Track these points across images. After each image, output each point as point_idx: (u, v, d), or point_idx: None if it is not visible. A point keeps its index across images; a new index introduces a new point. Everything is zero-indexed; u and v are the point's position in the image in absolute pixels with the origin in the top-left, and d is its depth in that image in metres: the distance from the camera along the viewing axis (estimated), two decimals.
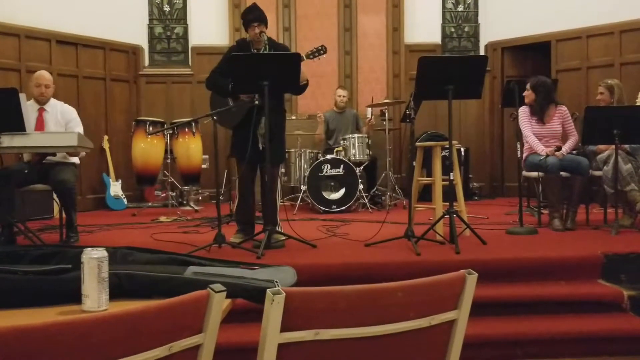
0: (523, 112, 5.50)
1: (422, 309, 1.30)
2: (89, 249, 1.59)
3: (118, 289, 1.66)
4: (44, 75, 5.11)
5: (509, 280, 3.85)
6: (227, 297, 1.32)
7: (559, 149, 5.26)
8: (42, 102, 5.05)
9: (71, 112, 5.17)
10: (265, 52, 4.59)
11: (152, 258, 1.96)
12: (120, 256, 1.95)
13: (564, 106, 5.55)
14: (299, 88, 4.53)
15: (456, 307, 1.38)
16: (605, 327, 3.50)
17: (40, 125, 4.99)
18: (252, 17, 4.58)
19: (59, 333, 1.01)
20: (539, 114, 5.43)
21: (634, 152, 5.31)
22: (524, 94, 5.50)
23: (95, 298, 1.56)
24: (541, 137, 5.39)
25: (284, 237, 4.51)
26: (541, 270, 3.93)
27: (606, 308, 3.68)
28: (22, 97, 4.15)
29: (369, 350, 1.27)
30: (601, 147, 5.43)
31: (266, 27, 4.62)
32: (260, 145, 4.46)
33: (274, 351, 1.17)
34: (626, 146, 5.22)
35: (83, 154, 4.96)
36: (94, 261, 1.56)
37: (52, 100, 5.13)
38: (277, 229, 4.64)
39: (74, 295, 1.58)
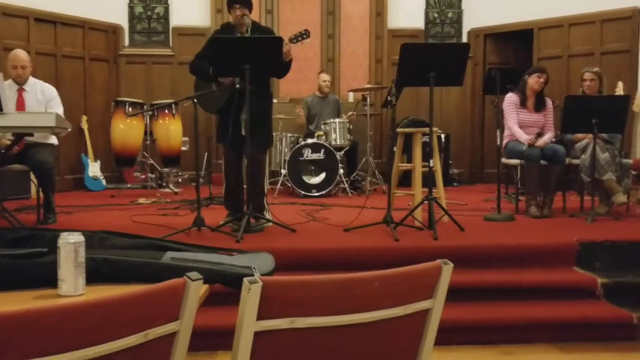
0: (509, 99, 5.49)
1: (397, 298, 1.32)
2: (65, 233, 1.58)
3: (95, 274, 1.66)
4: (19, 55, 4.99)
5: (485, 267, 3.89)
6: (204, 282, 1.32)
7: (539, 135, 5.30)
8: (20, 82, 4.96)
9: (52, 91, 5.09)
10: (247, 35, 4.54)
11: (129, 243, 1.95)
12: (97, 240, 1.94)
13: (549, 99, 5.58)
14: (281, 71, 4.49)
15: (431, 296, 1.40)
16: (578, 314, 3.56)
17: (20, 105, 4.92)
18: None
19: (33, 320, 1.00)
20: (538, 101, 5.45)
21: (612, 140, 5.37)
22: (542, 78, 5.39)
23: (72, 282, 1.55)
24: (525, 125, 5.41)
25: (265, 221, 4.51)
26: (517, 256, 3.98)
27: (580, 295, 3.74)
28: None
29: (344, 339, 1.29)
30: (579, 135, 5.48)
31: (250, 11, 4.56)
32: (243, 131, 4.37)
33: (250, 339, 1.18)
34: (604, 135, 5.28)
35: (63, 134, 4.90)
36: (71, 246, 1.55)
37: (31, 79, 5.05)
38: (264, 213, 4.63)
39: (50, 279, 1.58)
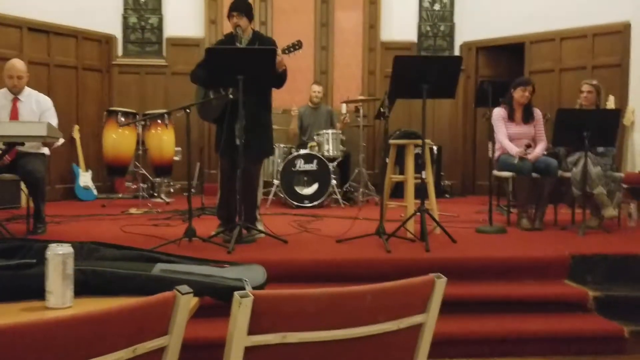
0: (497, 113, 5.52)
1: (390, 312, 1.30)
2: (54, 244, 1.56)
3: (83, 286, 1.63)
4: (16, 65, 4.97)
5: (477, 279, 3.88)
6: (194, 295, 1.30)
7: (528, 146, 5.32)
8: (15, 92, 4.94)
9: (47, 102, 5.07)
10: (243, 46, 4.51)
11: (119, 254, 1.93)
12: (86, 251, 1.92)
13: (538, 110, 5.62)
14: (277, 82, 4.46)
15: (425, 311, 1.38)
16: (570, 328, 3.56)
17: (14, 115, 4.90)
18: (231, 6, 4.53)
19: (21, 335, 0.99)
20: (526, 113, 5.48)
21: (607, 154, 5.38)
22: (527, 92, 5.44)
23: (60, 295, 1.53)
24: (515, 137, 5.43)
25: (257, 232, 4.49)
26: (509, 269, 3.98)
27: (572, 308, 3.74)
28: None
29: (337, 354, 1.27)
30: None
31: (248, 20, 4.53)
32: (237, 141, 4.31)
33: (240, 355, 1.16)
34: (601, 149, 5.29)
35: (58, 144, 4.87)
36: (59, 257, 1.53)
37: (27, 90, 5.02)
38: (257, 224, 4.61)
39: (38, 291, 1.55)
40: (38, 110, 4.95)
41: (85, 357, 1.04)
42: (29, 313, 1.50)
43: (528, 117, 5.48)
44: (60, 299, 1.53)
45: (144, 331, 1.13)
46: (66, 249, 1.55)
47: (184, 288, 1.19)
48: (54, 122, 4.86)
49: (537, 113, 5.56)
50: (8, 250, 1.92)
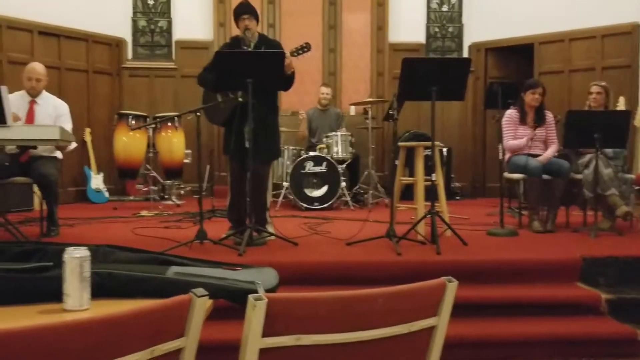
0: (509, 116, 5.49)
1: (402, 315, 1.32)
2: (71, 248, 1.58)
3: (99, 288, 1.66)
4: (36, 68, 5.04)
5: (488, 282, 3.87)
6: (209, 298, 1.32)
7: (537, 126, 5.29)
8: (33, 94, 5.00)
9: (63, 107, 5.13)
10: (251, 49, 4.54)
11: (133, 257, 1.95)
12: (101, 255, 1.94)
13: (550, 112, 5.59)
14: (285, 85, 4.48)
15: (436, 314, 1.39)
16: (582, 330, 3.54)
17: (30, 117, 4.95)
18: (239, 10, 4.56)
19: (39, 337, 1.01)
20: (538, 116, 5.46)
21: (617, 156, 5.36)
22: (537, 94, 5.42)
23: (77, 297, 1.55)
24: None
25: (267, 235, 4.51)
26: (520, 272, 3.96)
27: (584, 311, 3.72)
28: (4, 89, 4.11)
29: (349, 356, 1.28)
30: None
31: (257, 23, 4.58)
32: (247, 143, 4.33)
33: (255, 356, 1.18)
34: (609, 150, 5.27)
35: (70, 148, 4.91)
36: (76, 260, 1.56)
37: (45, 93, 5.09)
38: (267, 226, 4.63)
39: (55, 294, 1.58)
40: (54, 114, 5.01)
41: (104, 359, 1.06)
42: (47, 315, 1.52)
43: (540, 120, 5.44)
44: (78, 301, 1.55)
45: (161, 333, 1.15)
46: (83, 252, 1.57)
47: (200, 291, 1.20)
48: (69, 127, 4.90)
49: (549, 116, 5.53)
50: (24, 253, 1.94)
